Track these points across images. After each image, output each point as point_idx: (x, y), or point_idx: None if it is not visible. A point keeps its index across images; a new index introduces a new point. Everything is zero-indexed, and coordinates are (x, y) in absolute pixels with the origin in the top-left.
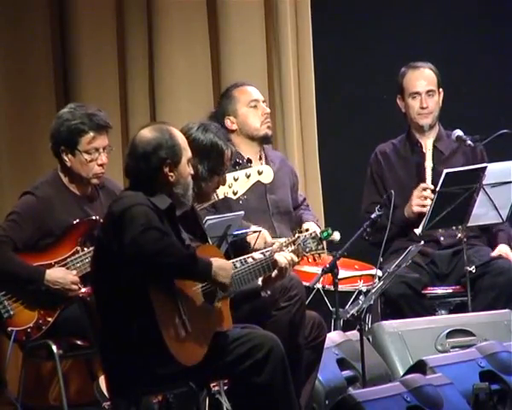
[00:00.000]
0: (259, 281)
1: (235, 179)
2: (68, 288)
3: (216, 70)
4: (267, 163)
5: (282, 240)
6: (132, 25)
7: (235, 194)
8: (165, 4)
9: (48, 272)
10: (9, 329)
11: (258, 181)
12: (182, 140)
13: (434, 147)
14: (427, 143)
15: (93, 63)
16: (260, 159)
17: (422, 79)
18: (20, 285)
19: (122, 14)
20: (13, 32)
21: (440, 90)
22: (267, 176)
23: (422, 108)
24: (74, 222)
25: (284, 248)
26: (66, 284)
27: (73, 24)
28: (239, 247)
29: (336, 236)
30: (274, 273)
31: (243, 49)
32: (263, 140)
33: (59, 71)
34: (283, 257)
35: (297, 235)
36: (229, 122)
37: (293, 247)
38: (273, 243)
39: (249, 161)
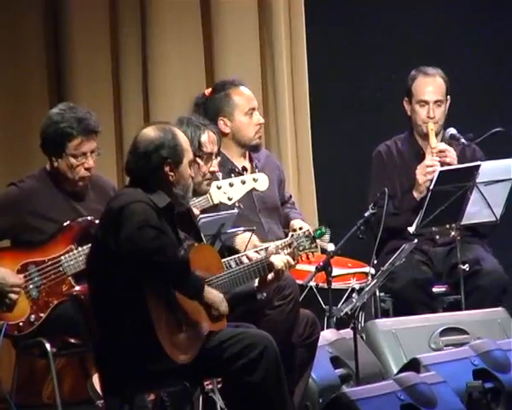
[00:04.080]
0: (256, 283)
1: (231, 185)
2: (8, 290)
3: (209, 68)
4: (251, 161)
5: (278, 242)
6: (126, 23)
7: (230, 200)
8: (159, 2)
9: None
10: (1, 322)
11: (254, 188)
12: (184, 141)
13: None
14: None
15: (86, 61)
16: (245, 158)
17: (432, 88)
18: None
19: (115, 13)
20: (6, 30)
21: (448, 97)
22: (262, 183)
23: (429, 117)
24: (70, 222)
25: (280, 251)
26: (5, 285)
27: (67, 22)
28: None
29: (330, 247)
30: (270, 276)
31: (237, 48)
32: (252, 148)
33: (52, 69)
34: (280, 260)
35: (291, 234)
36: (223, 124)
37: (289, 250)
38: (258, 247)
39: (244, 169)
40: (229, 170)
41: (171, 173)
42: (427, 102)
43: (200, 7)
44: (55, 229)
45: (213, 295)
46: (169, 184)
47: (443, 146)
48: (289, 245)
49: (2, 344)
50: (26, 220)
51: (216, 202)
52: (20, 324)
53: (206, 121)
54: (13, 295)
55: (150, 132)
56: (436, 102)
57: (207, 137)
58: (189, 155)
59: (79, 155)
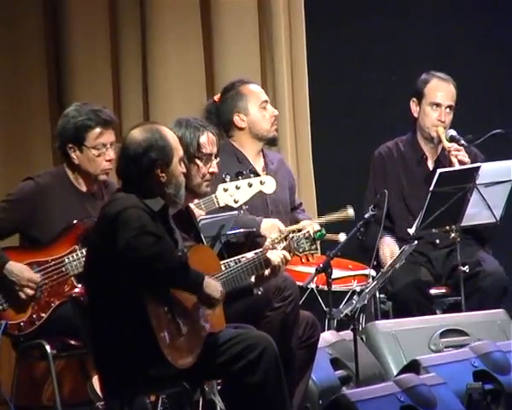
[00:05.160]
0: (252, 278)
1: (237, 188)
2: (24, 284)
3: (209, 70)
4: (265, 163)
5: (274, 236)
6: (126, 25)
7: (236, 202)
8: (159, 4)
9: (10, 262)
10: (1, 321)
11: (261, 191)
12: (173, 139)
13: (439, 160)
14: (434, 157)
15: (86, 63)
16: (259, 157)
17: (446, 93)
18: None
19: (115, 15)
20: (6, 32)
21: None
22: (269, 186)
23: (440, 121)
24: (76, 222)
25: (276, 245)
26: (21, 279)
27: (66, 24)
28: (233, 247)
29: (341, 237)
30: (267, 271)
31: (237, 50)
32: (270, 142)
33: (52, 71)
34: (276, 255)
35: (291, 235)
36: (239, 119)
37: (284, 243)
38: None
39: (252, 171)
40: (236, 172)
41: (163, 175)
42: (439, 105)
43: (199, 8)
44: (60, 227)
45: (212, 287)
46: (161, 186)
47: (456, 146)
48: (285, 238)
49: (1, 343)
50: (38, 215)
51: (222, 204)
52: (21, 323)
53: (205, 122)
54: (28, 290)
55: (137, 135)
56: (448, 106)
57: (206, 138)
58: (178, 153)
59: (100, 147)
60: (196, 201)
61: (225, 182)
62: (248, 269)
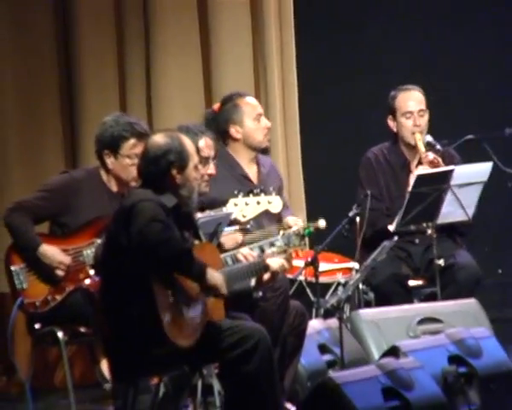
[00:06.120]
0: (252, 282)
1: (246, 204)
2: (55, 266)
3: (207, 80)
4: (258, 166)
5: (274, 249)
6: (131, 39)
7: (244, 217)
8: (161, 19)
9: (43, 245)
10: (20, 299)
11: (267, 210)
12: (190, 147)
13: (420, 163)
14: (415, 161)
15: (95, 74)
16: (253, 164)
17: (415, 100)
18: (19, 249)
19: (121, 32)
20: (21, 43)
21: (427, 110)
22: (276, 206)
23: (416, 125)
24: (98, 216)
25: (276, 255)
26: (53, 261)
27: (76, 38)
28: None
29: (321, 223)
30: (266, 276)
31: (232, 60)
32: (263, 151)
33: (64, 82)
34: (276, 262)
35: (282, 232)
36: (235, 131)
37: (285, 255)
38: (244, 243)
39: (262, 191)
40: (248, 190)
41: (178, 176)
42: (411, 113)
43: (198, 24)
44: (89, 218)
45: (215, 278)
46: (176, 186)
47: (431, 156)
48: (284, 251)
49: (15, 315)
50: (70, 205)
51: (231, 217)
52: (37, 303)
53: (203, 128)
54: (59, 272)
55: (159, 139)
56: (420, 111)
57: (204, 143)
58: (194, 159)
59: (133, 156)
60: (207, 212)
61: (237, 197)
62: (248, 272)
